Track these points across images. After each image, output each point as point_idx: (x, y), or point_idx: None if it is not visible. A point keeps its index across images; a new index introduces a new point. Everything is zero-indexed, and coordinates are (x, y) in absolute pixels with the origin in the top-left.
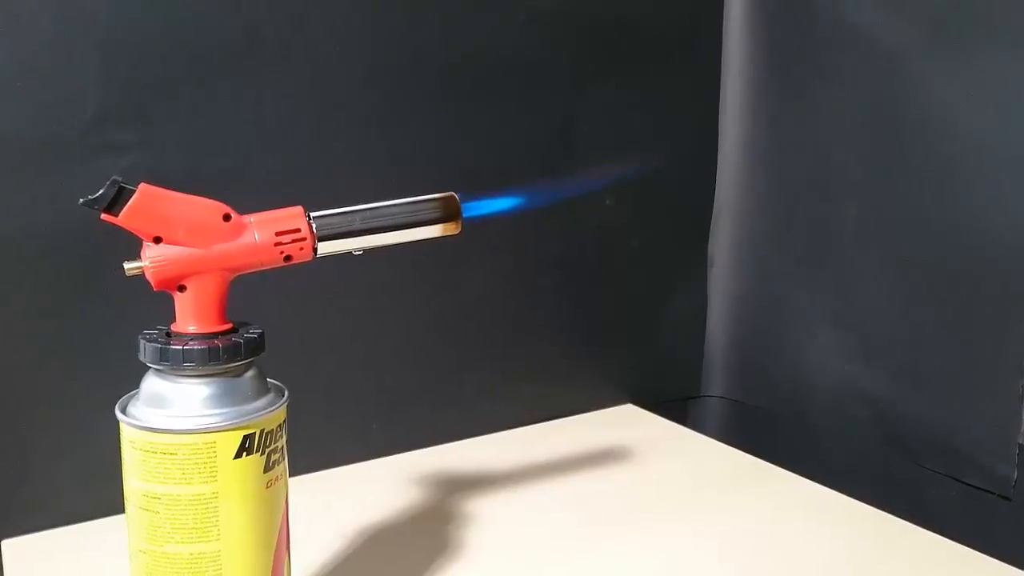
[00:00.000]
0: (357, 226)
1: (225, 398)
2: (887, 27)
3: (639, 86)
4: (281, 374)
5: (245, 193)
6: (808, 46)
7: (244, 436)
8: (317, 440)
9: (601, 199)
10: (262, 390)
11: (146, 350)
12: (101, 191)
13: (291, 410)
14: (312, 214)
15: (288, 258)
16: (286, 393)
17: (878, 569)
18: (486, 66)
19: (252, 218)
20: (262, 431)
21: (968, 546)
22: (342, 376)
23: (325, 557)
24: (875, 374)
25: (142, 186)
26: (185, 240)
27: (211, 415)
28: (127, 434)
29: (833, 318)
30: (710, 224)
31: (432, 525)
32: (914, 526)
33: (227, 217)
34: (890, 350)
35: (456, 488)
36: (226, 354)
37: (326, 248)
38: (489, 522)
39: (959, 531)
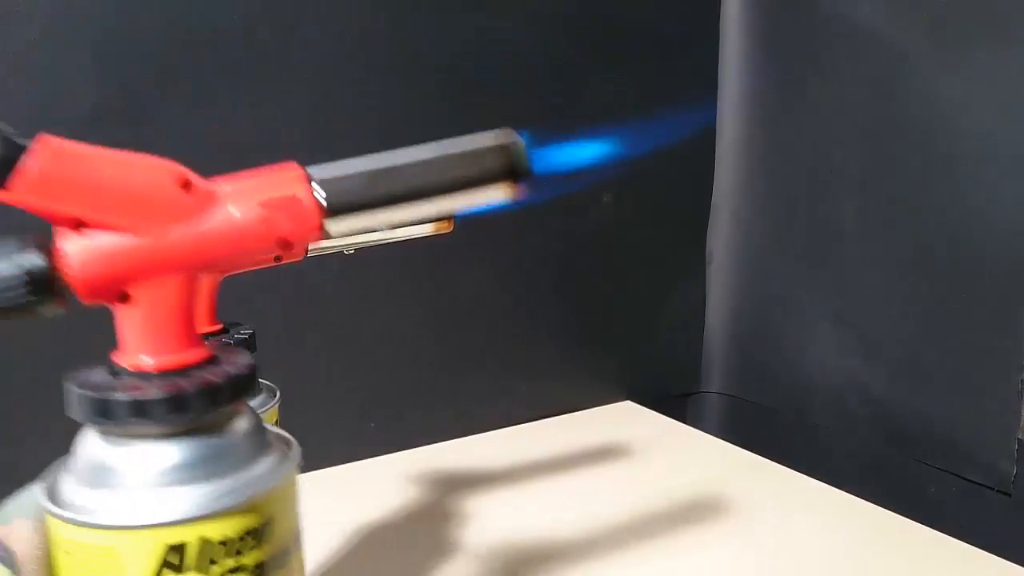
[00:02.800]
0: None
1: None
2: (886, 25)
3: (637, 84)
4: (276, 372)
5: None
6: (807, 44)
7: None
8: (313, 439)
9: (599, 196)
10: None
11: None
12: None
13: (287, 408)
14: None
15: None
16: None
17: (877, 565)
18: (484, 65)
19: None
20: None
21: (968, 542)
22: (338, 374)
23: (323, 556)
24: (874, 371)
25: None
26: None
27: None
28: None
29: (833, 315)
30: (708, 221)
31: (430, 524)
32: (914, 522)
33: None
34: (889, 346)
35: (454, 486)
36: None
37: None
38: (487, 520)
39: (959, 527)
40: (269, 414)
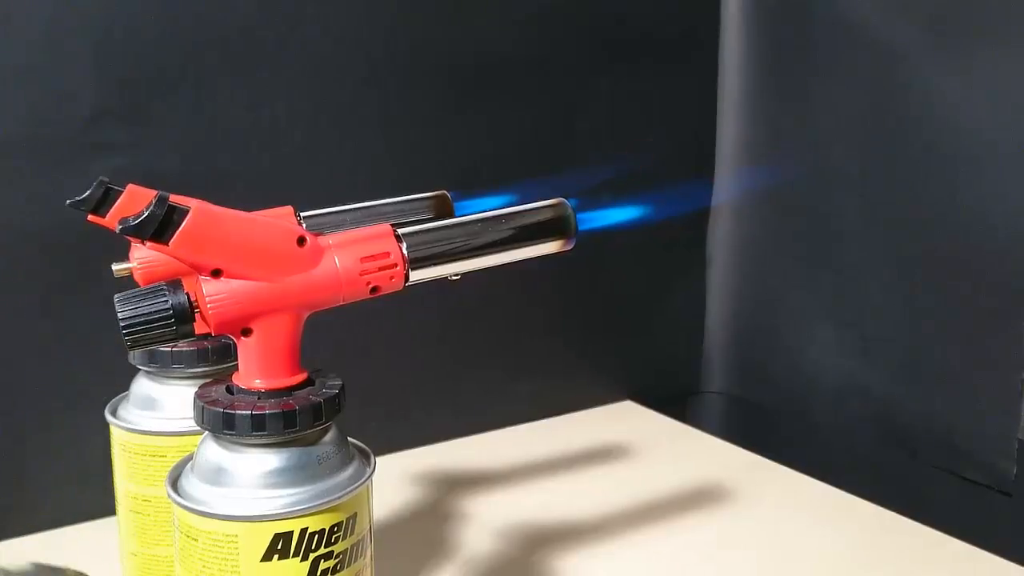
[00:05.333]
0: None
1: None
2: (885, 24)
3: (637, 84)
4: None
5: (241, 192)
6: (806, 44)
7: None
8: None
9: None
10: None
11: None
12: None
13: None
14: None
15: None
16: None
17: (877, 565)
18: (485, 65)
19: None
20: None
21: (968, 542)
22: (338, 374)
23: None
24: (875, 370)
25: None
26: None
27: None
28: (117, 436)
29: (833, 315)
30: (708, 221)
31: (430, 524)
32: (914, 522)
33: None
34: (890, 346)
35: (455, 487)
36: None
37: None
38: (487, 520)
39: (959, 527)
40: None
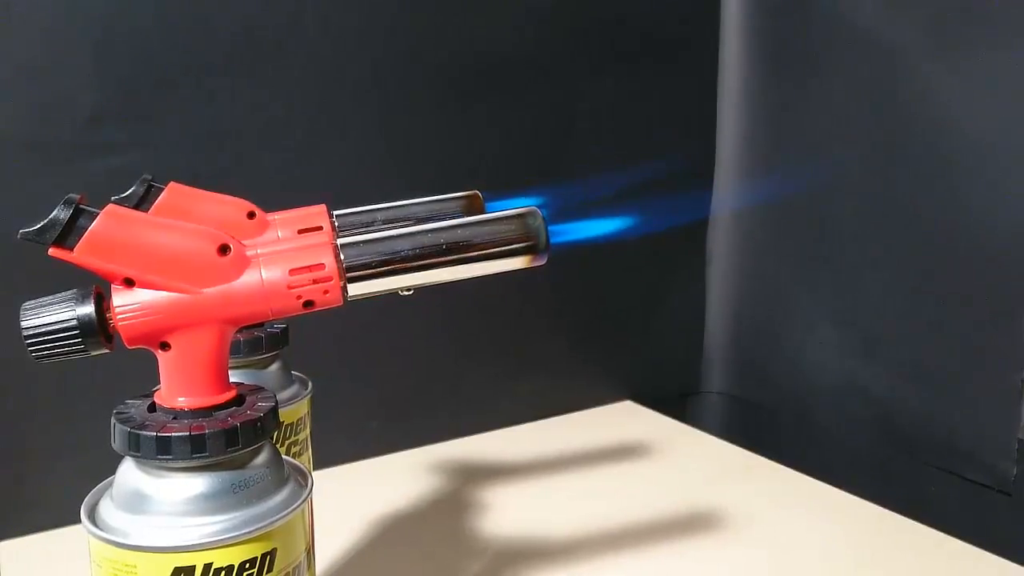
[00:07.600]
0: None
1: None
2: (886, 24)
3: (637, 84)
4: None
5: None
6: (806, 43)
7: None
8: (313, 439)
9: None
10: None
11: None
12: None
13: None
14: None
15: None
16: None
17: (877, 565)
18: (485, 65)
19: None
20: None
21: (968, 542)
22: (340, 374)
23: (320, 556)
24: (875, 370)
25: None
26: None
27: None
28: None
29: (833, 314)
30: (708, 221)
31: (430, 524)
32: (914, 522)
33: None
34: (890, 346)
35: (454, 486)
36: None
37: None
38: (487, 520)
39: (959, 527)
40: (300, 405)
